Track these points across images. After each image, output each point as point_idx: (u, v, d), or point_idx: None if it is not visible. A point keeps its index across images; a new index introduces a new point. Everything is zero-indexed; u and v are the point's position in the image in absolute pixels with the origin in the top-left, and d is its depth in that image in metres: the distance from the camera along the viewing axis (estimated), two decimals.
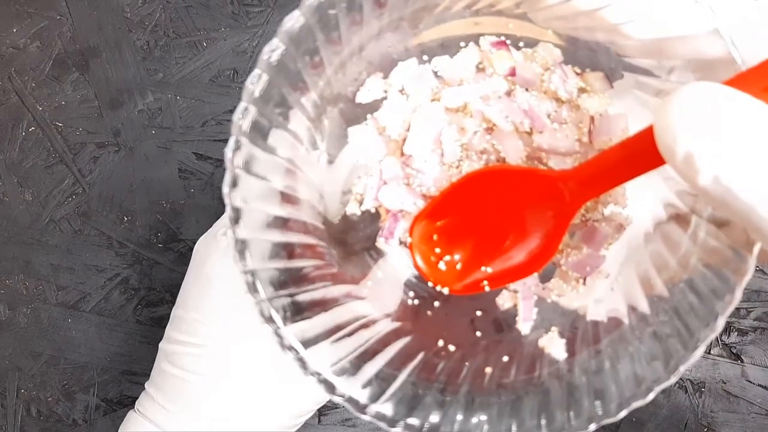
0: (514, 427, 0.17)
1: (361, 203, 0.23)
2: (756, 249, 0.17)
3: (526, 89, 0.22)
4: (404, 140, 0.23)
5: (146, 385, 0.31)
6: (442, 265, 0.23)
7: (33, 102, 0.43)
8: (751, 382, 0.40)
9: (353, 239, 0.23)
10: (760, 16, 0.17)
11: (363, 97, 0.22)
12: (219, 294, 0.29)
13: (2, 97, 0.43)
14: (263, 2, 0.45)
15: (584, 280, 0.22)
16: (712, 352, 0.40)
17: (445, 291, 0.23)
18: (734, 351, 0.41)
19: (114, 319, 0.40)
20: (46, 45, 0.44)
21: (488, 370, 0.19)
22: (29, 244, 0.41)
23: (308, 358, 0.17)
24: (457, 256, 0.23)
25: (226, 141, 0.43)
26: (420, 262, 0.23)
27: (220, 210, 0.42)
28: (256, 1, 0.45)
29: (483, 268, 0.23)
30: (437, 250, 0.23)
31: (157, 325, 0.40)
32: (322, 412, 0.39)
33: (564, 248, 0.23)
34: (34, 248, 0.41)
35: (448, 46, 0.22)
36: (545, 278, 0.23)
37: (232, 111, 0.43)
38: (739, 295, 0.17)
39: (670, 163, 0.16)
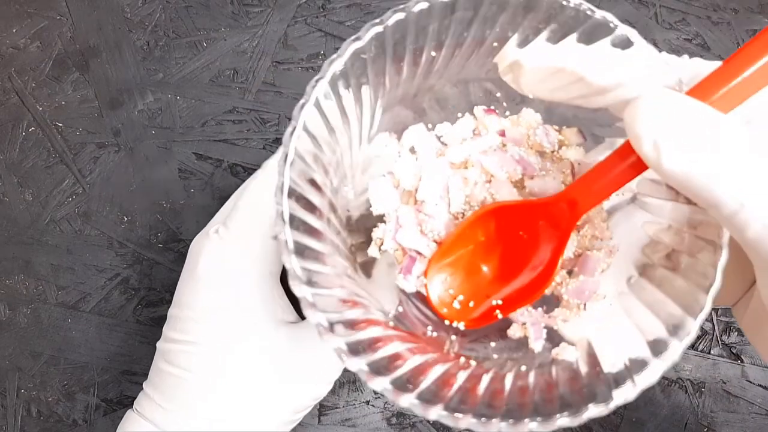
0: (538, 419, 0.19)
1: (380, 246, 0.26)
2: (726, 236, 0.20)
3: (516, 146, 0.26)
4: (416, 189, 0.26)
5: (144, 384, 0.31)
6: (456, 304, 0.25)
7: (33, 102, 0.43)
8: (751, 382, 0.40)
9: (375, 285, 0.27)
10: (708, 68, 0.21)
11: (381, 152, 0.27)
12: (211, 291, 0.29)
13: (2, 97, 0.43)
14: (263, 2, 0.45)
15: (584, 305, 0.25)
16: (712, 352, 0.40)
17: (461, 326, 0.25)
18: (734, 351, 0.41)
19: (114, 319, 0.40)
20: (46, 45, 0.44)
21: (509, 375, 0.21)
22: (29, 244, 0.41)
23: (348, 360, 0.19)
24: (469, 295, 0.25)
25: (225, 141, 0.43)
26: (436, 303, 0.25)
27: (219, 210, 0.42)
28: (256, 1, 0.45)
29: (495, 301, 0.25)
30: (451, 291, 0.25)
31: (157, 325, 0.40)
32: (322, 412, 0.39)
33: (563, 280, 0.26)
34: (34, 248, 0.41)
35: (449, 112, 0.27)
36: (549, 309, 0.26)
37: (231, 111, 0.43)
38: (719, 278, 0.20)
39: (639, 150, 0.19)
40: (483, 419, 0.18)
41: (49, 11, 0.45)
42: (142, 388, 0.31)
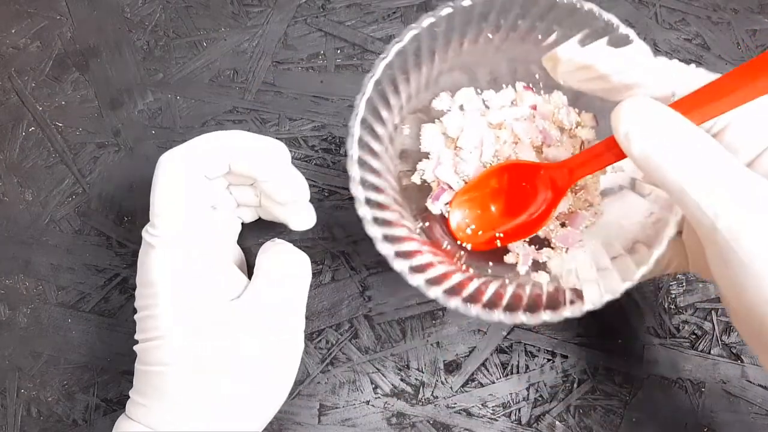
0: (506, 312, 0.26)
1: (422, 176, 0.34)
2: (678, 214, 0.25)
3: (543, 119, 0.33)
4: (458, 138, 0.33)
5: (130, 392, 0.31)
6: (468, 231, 0.33)
7: (33, 102, 0.43)
8: (751, 382, 0.40)
9: (412, 203, 0.34)
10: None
11: (436, 104, 0.34)
12: (163, 285, 0.30)
13: (2, 97, 0.43)
14: (263, 2, 0.45)
15: (566, 249, 0.32)
16: (712, 352, 0.40)
17: (468, 247, 0.33)
18: (734, 351, 0.41)
19: (114, 319, 0.40)
20: (46, 45, 0.44)
21: (494, 283, 0.29)
22: (29, 244, 0.41)
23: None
24: (479, 225, 0.33)
25: None
26: (454, 228, 0.33)
27: None
28: (256, 1, 0.45)
29: (498, 233, 0.32)
30: (466, 221, 0.33)
31: None
32: (322, 412, 0.39)
33: (555, 228, 0.33)
34: (34, 248, 0.41)
35: (496, 83, 0.34)
36: (540, 247, 0.33)
37: (231, 111, 0.43)
38: (652, 262, 0.25)
39: (618, 140, 0.24)
40: (467, 305, 0.26)
41: (49, 11, 0.45)
42: None
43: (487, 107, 0.34)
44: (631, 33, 0.27)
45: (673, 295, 0.41)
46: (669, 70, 0.27)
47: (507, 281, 0.30)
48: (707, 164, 0.22)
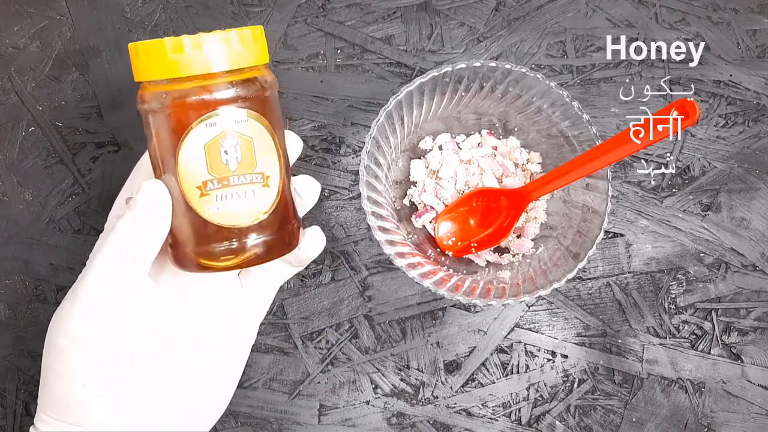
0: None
1: (411, 200, 0.42)
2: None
3: (502, 157, 0.43)
4: (438, 170, 0.42)
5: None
6: (449, 242, 0.41)
7: (33, 102, 0.43)
8: (751, 382, 0.40)
9: (403, 221, 0.43)
10: None
11: (422, 145, 0.43)
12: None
13: (2, 97, 0.43)
14: (263, 2, 0.45)
15: (522, 255, 0.41)
16: (712, 352, 0.41)
17: (450, 254, 0.41)
18: (734, 351, 0.41)
19: None
20: (46, 45, 0.44)
21: (468, 279, 0.38)
22: (29, 244, 0.41)
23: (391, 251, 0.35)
24: (458, 237, 0.42)
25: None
26: (438, 239, 0.41)
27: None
28: (256, 1, 0.45)
29: (472, 243, 0.41)
30: (448, 234, 0.42)
31: None
32: (322, 412, 0.39)
33: (512, 239, 0.42)
34: (33, 248, 0.41)
35: (466, 130, 0.43)
36: (501, 253, 0.42)
37: None
38: (585, 260, 0.35)
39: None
40: (449, 292, 0.35)
41: (49, 11, 0.45)
42: None
43: (460, 148, 0.43)
44: (565, 93, 0.36)
45: (673, 295, 0.41)
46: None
47: (479, 277, 0.39)
48: None
